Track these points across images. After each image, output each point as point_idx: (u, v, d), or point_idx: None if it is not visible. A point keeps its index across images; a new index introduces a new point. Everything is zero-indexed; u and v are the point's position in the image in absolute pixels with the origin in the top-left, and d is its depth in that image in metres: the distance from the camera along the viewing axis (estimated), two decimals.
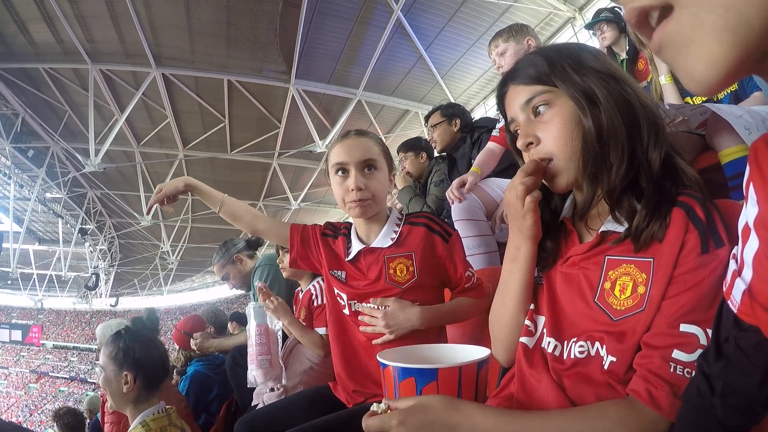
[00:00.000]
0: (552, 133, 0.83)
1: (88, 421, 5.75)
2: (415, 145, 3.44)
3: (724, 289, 0.59)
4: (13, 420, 21.62)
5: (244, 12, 7.89)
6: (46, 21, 8.21)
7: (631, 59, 2.92)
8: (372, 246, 1.45)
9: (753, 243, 0.51)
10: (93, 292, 24.02)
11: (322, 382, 1.76)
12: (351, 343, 1.48)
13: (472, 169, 2.33)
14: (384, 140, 1.58)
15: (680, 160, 0.80)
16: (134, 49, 8.92)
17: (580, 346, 0.79)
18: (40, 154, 13.27)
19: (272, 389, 2.08)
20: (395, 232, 1.45)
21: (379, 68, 9.38)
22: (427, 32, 8.51)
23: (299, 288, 2.43)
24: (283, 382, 2.06)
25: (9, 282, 26.45)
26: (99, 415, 4.44)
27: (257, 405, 2.12)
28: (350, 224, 1.58)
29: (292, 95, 10.00)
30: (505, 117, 0.95)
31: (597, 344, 0.77)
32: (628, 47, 2.94)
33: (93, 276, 20.11)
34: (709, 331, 0.65)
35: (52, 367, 29.49)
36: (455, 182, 2.25)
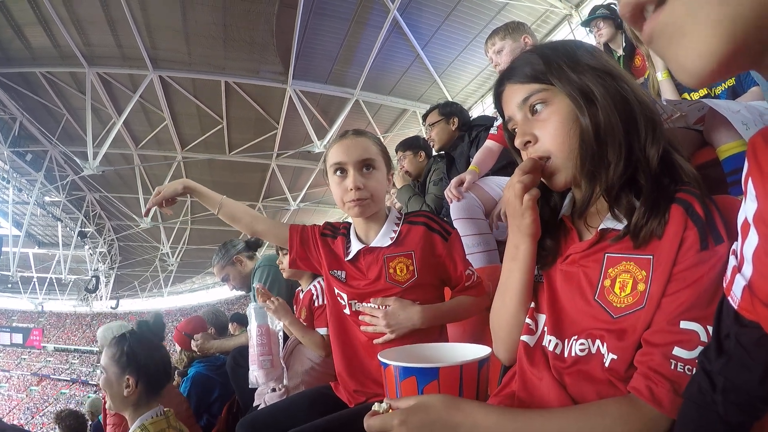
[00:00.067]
0: (549, 131, 0.83)
1: (89, 423, 5.75)
2: (413, 144, 3.44)
3: (725, 285, 0.59)
4: (15, 423, 21.61)
5: (240, 13, 7.89)
6: (43, 25, 8.20)
7: (628, 56, 2.91)
8: (371, 245, 1.45)
9: (752, 239, 0.51)
10: (93, 294, 24.04)
11: (323, 382, 1.76)
12: (352, 343, 1.48)
13: (470, 167, 2.32)
14: (382, 139, 1.58)
15: (678, 157, 0.80)
16: (131, 52, 8.91)
17: (581, 344, 0.79)
18: (38, 157, 13.25)
19: (274, 390, 2.08)
20: (394, 231, 1.45)
21: (376, 68, 9.38)
22: (424, 31, 8.51)
23: (300, 288, 2.43)
24: (285, 382, 2.06)
25: (9, 285, 26.37)
26: (101, 417, 4.44)
27: (259, 405, 2.12)
28: (349, 224, 1.57)
29: (290, 96, 10.00)
30: (502, 115, 0.95)
31: (597, 342, 0.77)
32: (624, 44, 2.93)
33: (93, 279, 20.07)
34: (710, 328, 0.65)
35: (54, 369, 29.49)
36: (453, 181, 2.24)
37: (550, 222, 0.93)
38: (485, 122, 2.84)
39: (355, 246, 1.47)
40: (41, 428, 21.19)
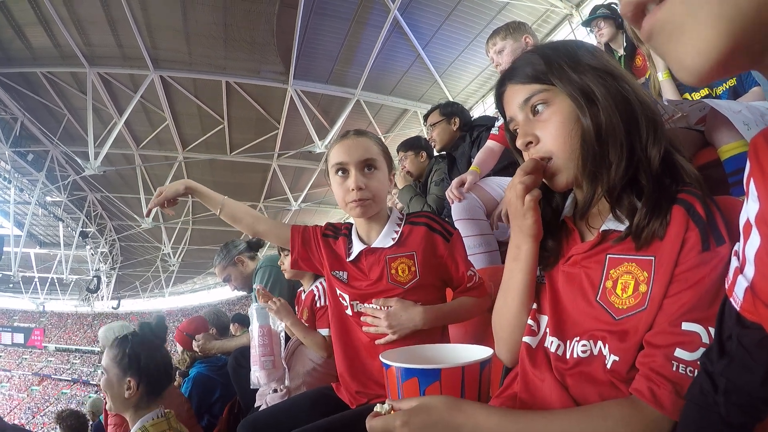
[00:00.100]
0: (551, 131, 0.83)
1: (90, 423, 5.76)
2: (414, 145, 3.44)
3: (726, 286, 0.58)
4: (16, 423, 21.62)
5: (240, 13, 7.89)
6: (43, 25, 8.20)
7: (629, 55, 2.92)
8: (373, 246, 1.45)
9: (755, 240, 0.51)
10: (94, 294, 24.05)
11: (325, 383, 1.76)
12: (354, 344, 1.48)
13: (471, 168, 2.32)
14: (383, 140, 1.58)
15: (680, 157, 0.79)
16: (132, 52, 8.91)
17: (583, 345, 0.79)
18: (39, 157, 13.26)
19: (275, 390, 2.08)
20: (396, 232, 1.45)
21: (377, 68, 9.37)
22: (425, 31, 8.50)
23: (301, 288, 2.43)
24: (286, 383, 2.07)
25: (11, 285, 26.42)
26: (102, 417, 4.44)
27: (260, 406, 2.12)
28: (351, 225, 1.58)
29: (291, 96, 9.99)
30: (504, 116, 0.95)
31: (599, 343, 0.77)
32: (625, 43, 2.94)
33: (94, 279, 20.08)
34: (711, 330, 0.65)
35: (55, 369, 29.54)
36: (454, 182, 2.24)
37: (552, 223, 0.93)
38: (486, 122, 2.84)
39: (357, 247, 1.47)
40: (42, 428, 21.23)
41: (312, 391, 1.78)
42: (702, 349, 0.65)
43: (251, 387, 2.09)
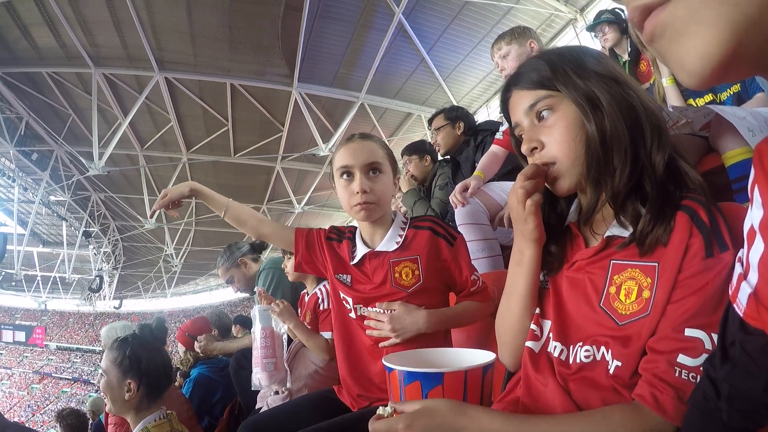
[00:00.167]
0: (555, 137, 0.83)
1: (91, 422, 5.76)
2: (419, 149, 3.44)
3: (730, 292, 0.59)
4: (16, 420, 21.62)
5: (246, 16, 7.92)
6: (49, 25, 8.25)
7: (633, 61, 2.91)
8: (377, 250, 1.45)
9: (759, 246, 0.51)
10: (97, 294, 24.06)
11: (327, 386, 1.76)
12: (356, 347, 1.48)
13: (475, 172, 2.32)
14: (387, 143, 1.58)
15: (684, 163, 0.80)
16: (137, 53, 8.95)
17: (586, 350, 0.79)
18: (44, 157, 13.32)
19: (277, 392, 2.08)
20: (400, 235, 1.45)
21: (381, 71, 9.38)
22: (429, 35, 8.52)
23: (305, 291, 2.43)
24: (288, 385, 2.06)
25: (13, 283, 26.50)
26: (102, 416, 4.45)
27: (261, 408, 2.12)
28: (355, 228, 1.58)
29: (295, 99, 10.01)
30: (509, 121, 0.95)
31: (602, 349, 0.77)
32: (630, 49, 2.93)
33: (97, 278, 20.11)
34: (714, 336, 0.65)
35: (56, 368, 29.53)
36: (458, 186, 2.24)
37: (556, 228, 0.93)
38: (491, 127, 2.84)
39: (361, 250, 1.48)
40: (42, 426, 21.21)
41: (313, 393, 1.79)
42: (705, 355, 0.65)
43: (252, 389, 2.08)
